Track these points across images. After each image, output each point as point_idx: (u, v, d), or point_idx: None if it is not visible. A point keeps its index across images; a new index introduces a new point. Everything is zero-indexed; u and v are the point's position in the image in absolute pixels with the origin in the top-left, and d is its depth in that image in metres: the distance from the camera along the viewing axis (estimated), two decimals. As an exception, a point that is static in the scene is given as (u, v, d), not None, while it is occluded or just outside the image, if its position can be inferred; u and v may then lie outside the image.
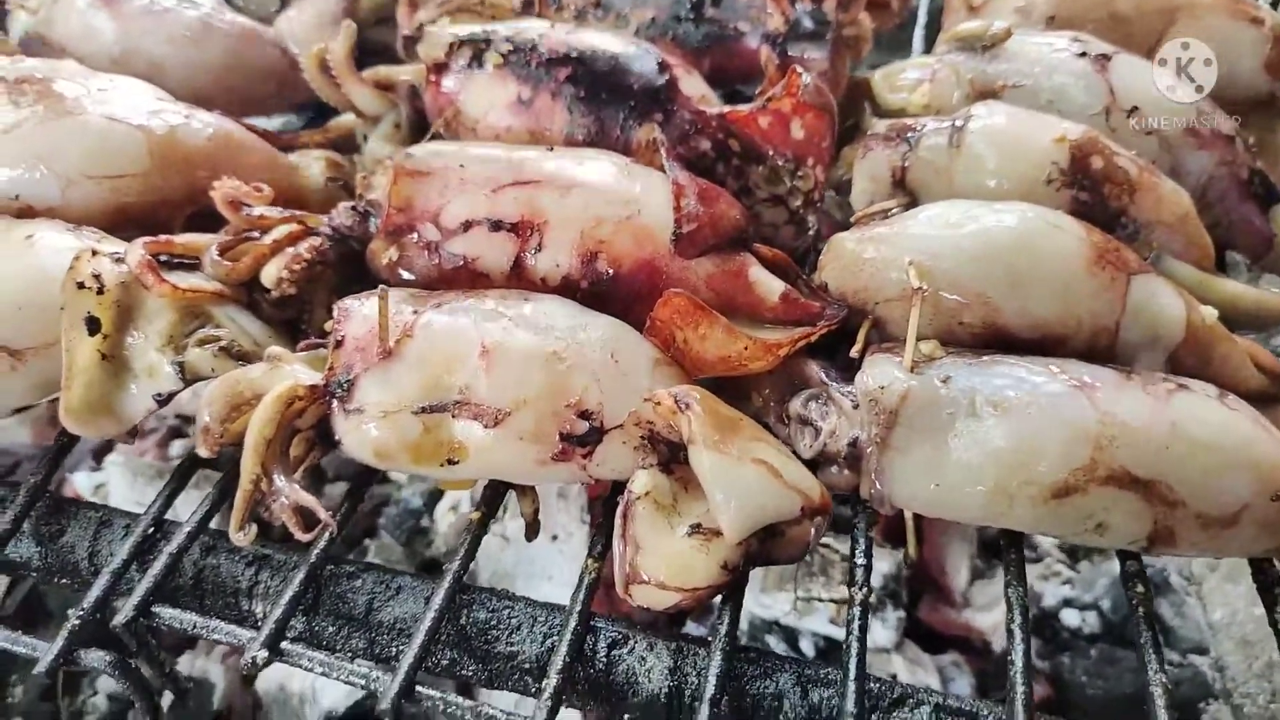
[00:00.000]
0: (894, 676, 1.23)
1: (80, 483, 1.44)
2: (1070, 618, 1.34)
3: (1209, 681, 1.25)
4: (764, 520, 0.75)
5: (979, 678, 1.30)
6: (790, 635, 1.28)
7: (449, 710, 0.72)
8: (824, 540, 1.27)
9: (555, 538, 1.28)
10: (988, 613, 1.34)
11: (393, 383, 0.80)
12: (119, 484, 1.40)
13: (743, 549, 0.76)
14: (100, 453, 1.48)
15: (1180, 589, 1.33)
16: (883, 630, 1.25)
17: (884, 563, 1.28)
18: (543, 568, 1.25)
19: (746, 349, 0.83)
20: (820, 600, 1.24)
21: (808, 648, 1.27)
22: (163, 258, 0.89)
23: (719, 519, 0.74)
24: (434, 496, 1.47)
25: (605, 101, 1.01)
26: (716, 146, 1.00)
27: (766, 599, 1.26)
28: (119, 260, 0.87)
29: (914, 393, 0.78)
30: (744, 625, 1.30)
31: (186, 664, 1.30)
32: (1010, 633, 0.75)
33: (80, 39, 1.12)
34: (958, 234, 0.84)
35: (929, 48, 1.24)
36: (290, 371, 0.83)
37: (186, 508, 0.86)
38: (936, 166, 0.93)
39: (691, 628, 1.29)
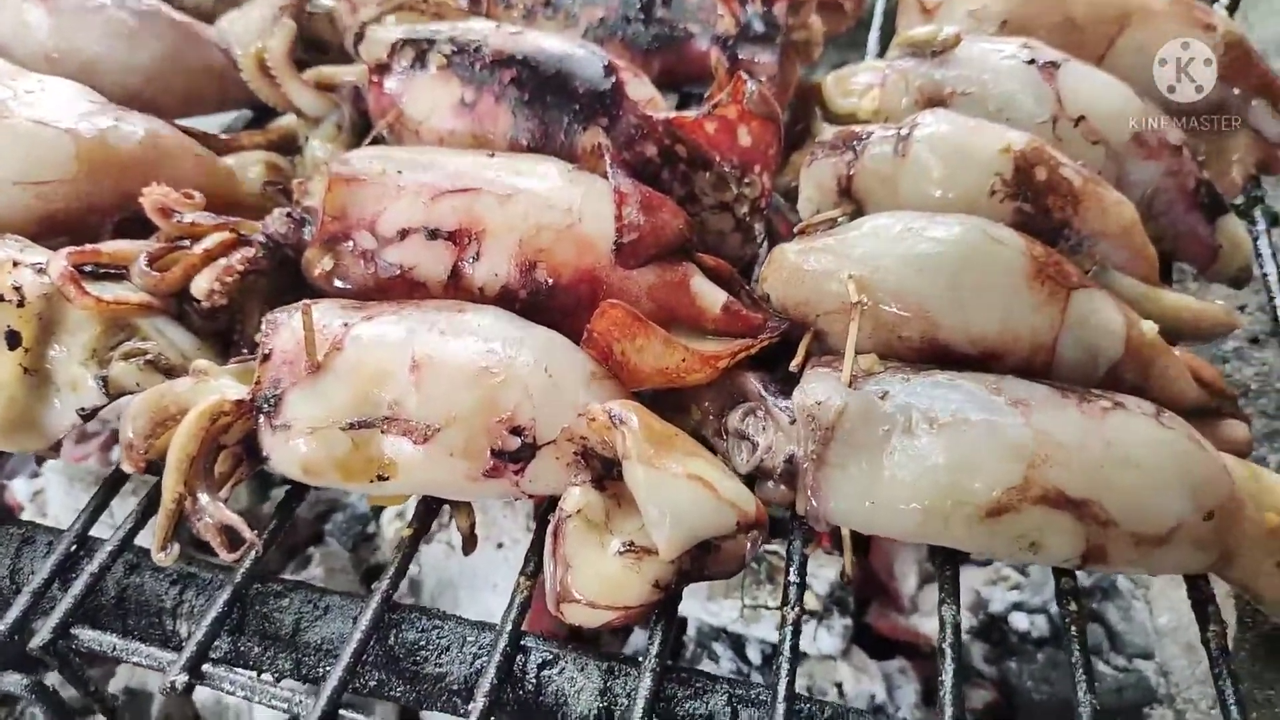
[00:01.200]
0: (839, 685, 1.23)
1: (19, 490, 1.41)
2: (1019, 621, 1.35)
3: (1153, 686, 1.25)
4: (699, 536, 0.74)
5: (925, 684, 1.30)
6: (737, 642, 1.28)
7: (374, 734, 0.71)
8: (770, 548, 1.27)
9: (500, 545, 1.27)
10: (936, 618, 1.33)
11: (321, 398, 0.78)
12: (57, 491, 1.38)
13: (675, 566, 0.75)
14: (40, 459, 1.45)
15: (1128, 593, 1.34)
16: (829, 638, 1.25)
17: (830, 570, 1.28)
18: (486, 577, 1.24)
19: (684, 361, 0.82)
20: (767, 608, 1.24)
21: (754, 655, 1.27)
22: (88, 268, 0.87)
23: (653, 535, 0.73)
24: (379, 505, 1.45)
25: (550, 105, 0.99)
26: (663, 152, 0.98)
27: (713, 606, 1.26)
28: (41, 271, 0.84)
29: (851, 409, 0.77)
30: (691, 632, 1.30)
31: (125, 675, 1.28)
32: (941, 652, 0.75)
33: (12, 35, 1.09)
34: (899, 247, 0.83)
35: (884, 49, 1.23)
36: (216, 386, 0.81)
37: (117, 521, 0.84)
38: (882, 175, 0.92)
39: (640, 636, 1.28)
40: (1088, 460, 0.74)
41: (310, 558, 1.37)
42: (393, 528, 1.39)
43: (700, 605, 1.27)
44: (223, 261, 0.89)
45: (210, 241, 0.89)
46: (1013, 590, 1.37)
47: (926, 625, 1.33)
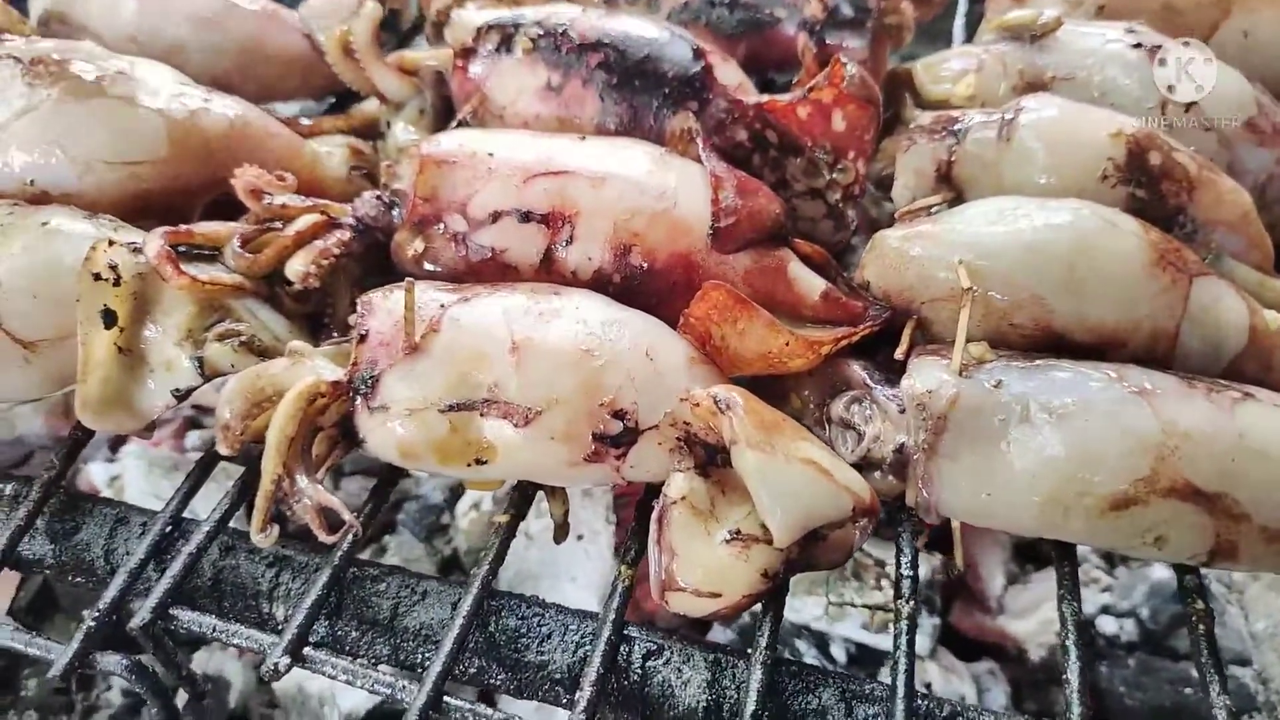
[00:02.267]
0: (929, 685, 1.20)
1: (96, 474, 1.41)
2: (1108, 625, 1.31)
3: (1252, 693, 1.21)
4: (814, 521, 0.72)
5: (1014, 686, 1.26)
6: (821, 640, 1.25)
7: (477, 723, 0.69)
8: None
9: (580, 537, 1.25)
10: (1023, 619, 1.30)
11: (419, 379, 0.77)
12: (135, 476, 1.37)
13: (784, 555, 0.73)
14: (117, 443, 1.46)
15: (1222, 598, 1.30)
16: (918, 637, 1.21)
17: (920, 568, 1.24)
18: (566, 568, 1.22)
19: (788, 345, 0.80)
20: (853, 605, 1.21)
21: (839, 653, 1.24)
22: (181, 248, 0.86)
23: (767, 522, 0.71)
24: (455, 493, 1.44)
25: (638, 89, 0.98)
26: (753, 137, 0.97)
27: (797, 603, 1.23)
28: (136, 250, 0.84)
29: (964, 397, 0.75)
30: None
31: (202, 661, 1.27)
32: (1065, 650, 0.72)
33: (99, 18, 1.09)
34: (1009, 232, 0.81)
35: (970, 37, 1.20)
36: (312, 367, 0.80)
37: (205, 503, 0.84)
38: (984, 161, 0.90)
39: (719, 633, 1.25)
40: (1219, 452, 0.71)
41: (385, 548, 1.36)
42: (467, 518, 1.38)
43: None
44: (317, 244, 0.88)
45: (302, 224, 0.89)
46: (1103, 592, 1.33)
47: (1014, 626, 1.30)
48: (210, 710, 1.21)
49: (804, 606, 1.23)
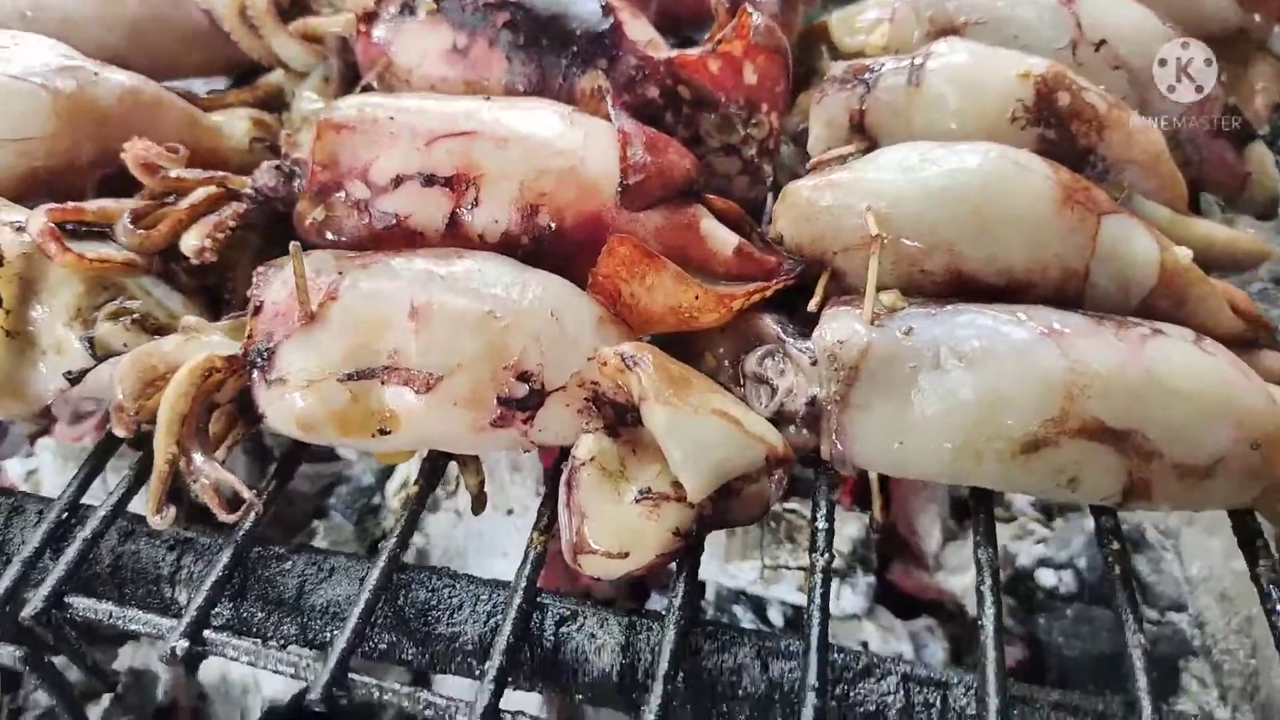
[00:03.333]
0: (865, 644, 1.19)
1: (12, 469, 1.37)
2: (1046, 577, 1.31)
3: (1188, 638, 1.22)
4: (728, 473, 0.71)
5: (953, 643, 1.26)
6: (758, 604, 1.24)
7: (385, 698, 0.67)
8: (789, 506, 1.23)
9: (510, 512, 1.23)
10: (961, 575, 1.30)
11: (316, 349, 0.74)
12: (50, 471, 1.34)
13: (696, 512, 0.72)
14: (34, 437, 1.41)
15: (1157, 544, 1.30)
16: (852, 596, 1.21)
17: (851, 527, 1.24)
18: (497, 544, 1.20)
19: (697, 298, 0.78)
20: (788, 568, 1.20)
21: (776, 617, 1.23)
22: (70, 226, 0.83)
23: (680, 475, 0.70)
24: (385, 473, 1.41)
25: (546, 48, 0.95)
26: (665, 94, 0.94)
27: (732, 568, 1.22)
28: (20, 229, 0.80)
29: (875, 346, 0.74)
30: (710, 595, 1.26)
31: (129, 655, 1.24)
32: (980, 595, 0.71)
33: (-15, -6, 1.05)
34: (918, 177, 0.79)
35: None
36: (206, 343, 0.78)
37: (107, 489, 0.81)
38: (895, 108, 0.88)
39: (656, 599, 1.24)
40: (1128, 389, 0.70)
41: (314, 531, 1.33)
42: (398, 499, 1.36)
43: (719, 567, 1.23)
44: (212, 217, 0.85)
45: (196, 196, 0.85)
46: (1039, 544, 1.34)
47: (951, 583, 1.30)
48: (138, 703, 1.18)
49: (740, 571, 1.22)
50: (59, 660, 0.77)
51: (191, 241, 0.83)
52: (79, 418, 1.37)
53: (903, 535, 1.34)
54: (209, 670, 1.21)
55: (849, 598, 1.21)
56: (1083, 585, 1.31)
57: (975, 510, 0.77)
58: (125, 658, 1.23)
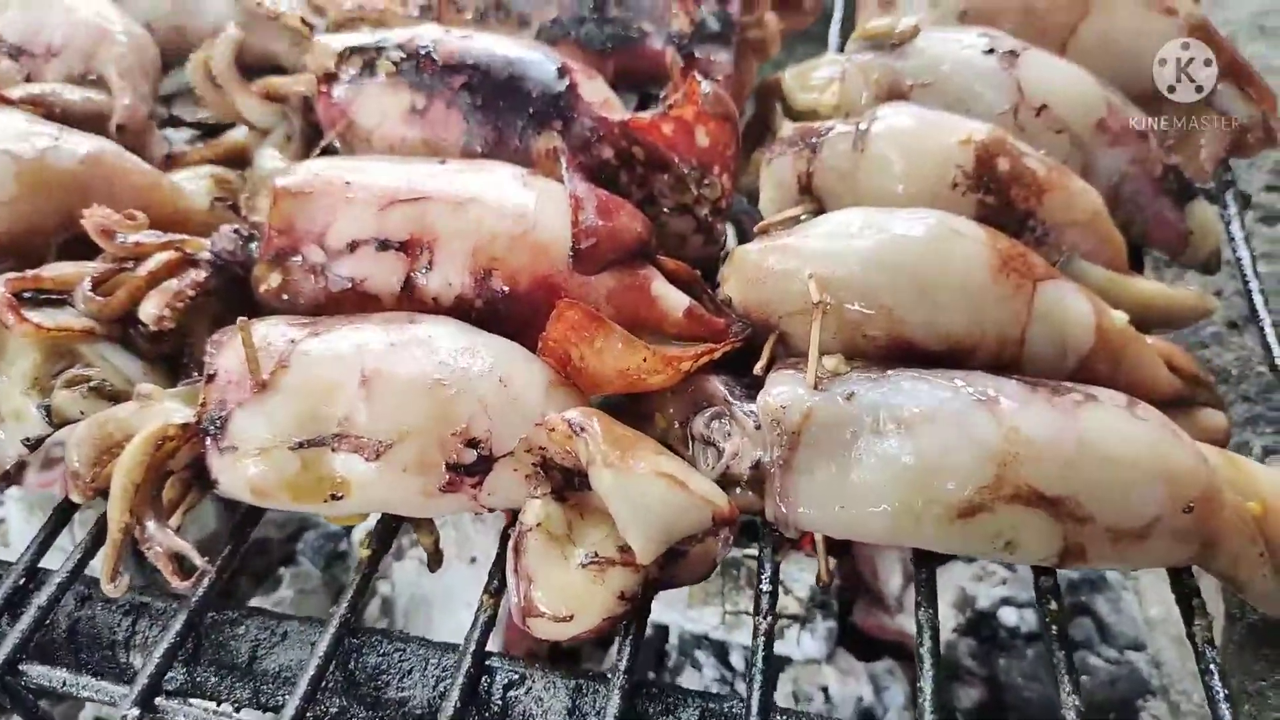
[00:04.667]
0: (825, 689, 1.21)
1: (-22, 520, 1.38)
2: (1008, 616, 1.33)
3: (1146, 677, 1.23)
4: (676, 534, 0.72)
5: (914, 684, 1.27)
6: (720, 649, 1.25)
7: (332, 764, 0.68)
8: (749, 552, 1.25)
9: (474, 560, 1.24)
10: (919, 620, 1.31)
11: (268, 417, 0.76)
12: (17, 520, 1.34)
13: (641, 576, 0.73)
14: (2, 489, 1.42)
15: (1117, 585, 1.31)
16: (812, 641, 1.22)
17: (811, 573, 1.26)
18: (461, 594, 1.21)
19: (646, 361, 0.79)
20: (748, 614, 1.22)
21: (738, 661, 1.25)
22: (28, 294, 0.84)
23: (628, 538, 0.71)
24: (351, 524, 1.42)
25: (503, 109, 0.97)
26: (619, 154, 0.96)
27: (694, 613, 1.23)
28: (-24, 297, 0.82)
29: (816, 411, 0.75)
30: (673, 640, 1.27)
31: (92, 710, 1.25)
32: (920, 657, 0.72)
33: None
34: (859, 243, 0.81)
35: (845, 43, 1.21)
36: (161, 410, 0.79)
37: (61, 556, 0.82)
38: (841, 171, 0.90)
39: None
40: (1061, 456, 0.72)
41: (281, 579, 1.34)
42: (363, 547, 1.36)
43: (681, 613, 1.24)
44: (171, 284, 0.86)
45: (154, 263, 0.87)
46: (1000, 586, 1.35)
47: (913, 624, 1.31)
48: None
49: (701, 616, 1.24)
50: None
51: (150, 310, 0.85)
52: (50, 464, 1.38)
53: (865, 578, 1.35)
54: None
55: (809, 643, 1.22)
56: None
57: (917, 570, 0.78)
58: (89, 711, 1.24)
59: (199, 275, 0.87)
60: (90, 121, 1.01)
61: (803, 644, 1.22)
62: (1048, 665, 0.70)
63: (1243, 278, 0.97)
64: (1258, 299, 0.97)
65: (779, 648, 1.22)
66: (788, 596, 1.23)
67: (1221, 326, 1.24)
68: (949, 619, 1.30)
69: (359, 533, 1.39)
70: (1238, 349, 1.21)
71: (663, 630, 1.26)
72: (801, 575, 1.26)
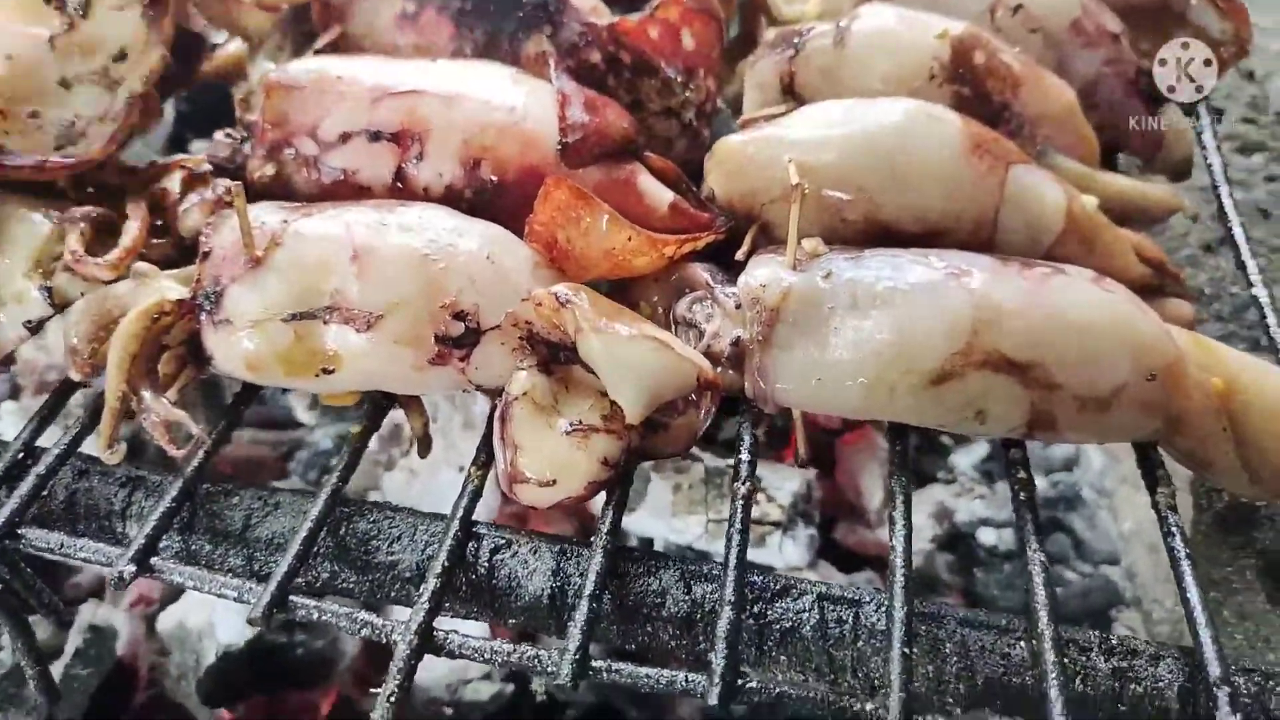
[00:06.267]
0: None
1: (-29, 429, 1.40)
2: (986, 535, 1.35)
3: (1120, 590, 1.26)
4: (663, 393, 0.75)
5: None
6: (703, 558, 1.27)
7: (323, 619, 0.71)
8: (730, 462, 1.27)
9: (461, 469, 1.26)
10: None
11: (261, 291, 0.78)
12: (12, 429, 1.36)
13: (624, 443, 0.75)
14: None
15: (1092, 502, 1.35)
16: (794, 548, 1.25)
17: (793, 482, 1.28)
18: (449, 500, 1.23)
19: (631, 240, 0.81)
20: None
21: (721, 571, 1.27)
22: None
23: (618, 397, 0.74)
24: (342, 438, 1.44)
25: (493, 14, 0.99)
26: (607, 59, 0.98)
27: (678, 523, 1.26)
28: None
29: (795, 290, 0.78)
30: (658, 548, 1.30)
31: (89, 613, 1.27)
32: (891, 520, 0.75)
33: None
34: (837, 130, 0.84)
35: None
36: (157, 286, 0.81)
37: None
38: (823, 68, 0.92)
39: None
40: (1029, 323, 0.74)
41: (273, 492, 1.36)
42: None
43: (665, 524, 1.27)
44: (198, 197, 0.87)
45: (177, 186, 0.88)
46: (978, 501, 1.38)
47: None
48: (97, 657, 1.21)
49: (685, 527, 1.26)
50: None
51: (191, 225, 0.86)
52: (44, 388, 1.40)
53: (848, 496, 1.38)
54: (167, 619, 1.24)
55: (791, 550, 1.25)
56: (1022, 544, 1.35)
57: (891, 443, 0.80)
58: (86, 616, 1.26)
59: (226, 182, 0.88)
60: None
61: (785, 551, 1.25)
62: (1018, 539, 0.71)
63: (1213, 182, 1.00)
64: (1231, 216, 0.99)
65: (762, 555, 1.24)
66: (771, 504, 1.26)
67: (1196, 249, 1.26)
68: (926, 529, 1.32)
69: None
70: (1211, 270, 1.23)
71: (647, 542, 1.29)
72: (784, 485, 1.28)
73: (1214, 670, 0.66)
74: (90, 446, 0.83)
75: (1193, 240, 1.25)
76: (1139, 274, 0.86)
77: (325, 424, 1.46)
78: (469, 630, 0.72)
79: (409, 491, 1.29)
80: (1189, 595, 0.70)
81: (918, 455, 1.31)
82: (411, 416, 0.86)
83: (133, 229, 0.83)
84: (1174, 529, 0.76)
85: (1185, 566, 0.73)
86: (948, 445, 1.46)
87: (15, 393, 1.43)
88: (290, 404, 1.46)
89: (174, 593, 1.28)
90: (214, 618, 1.20)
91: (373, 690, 0.68)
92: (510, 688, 1.20)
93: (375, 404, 0.85)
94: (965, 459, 1.42)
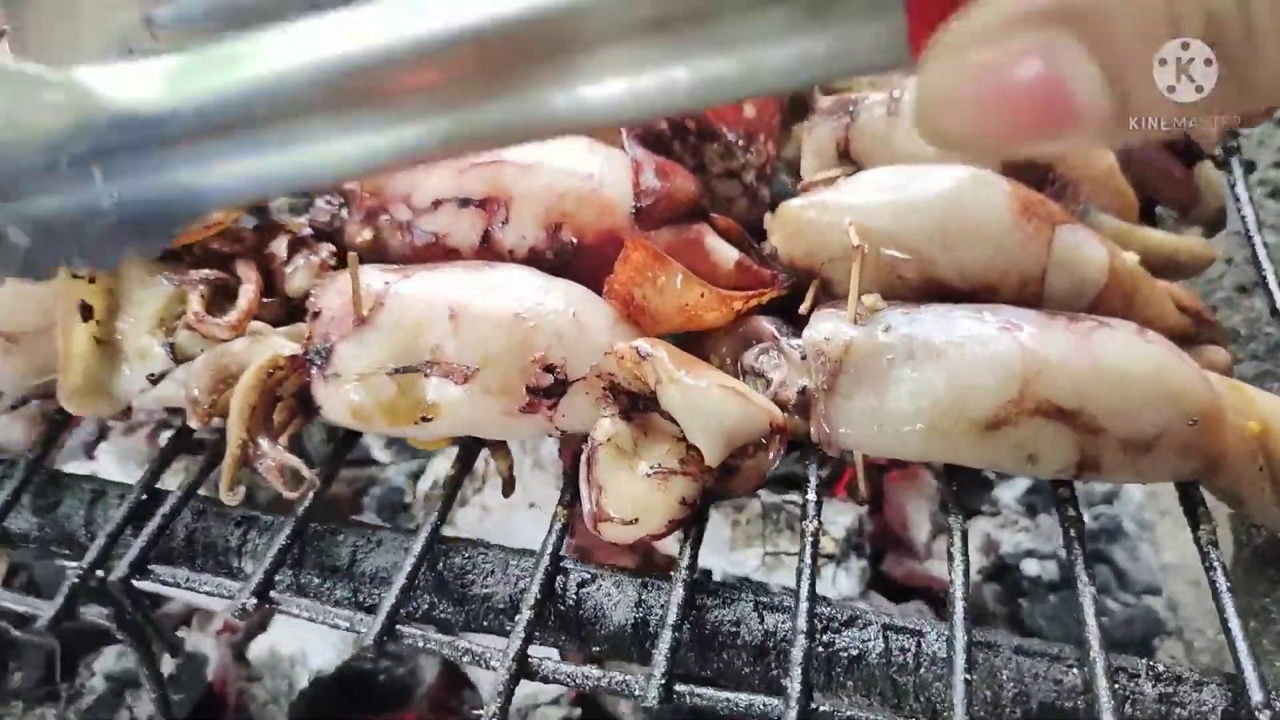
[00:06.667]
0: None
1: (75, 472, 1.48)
2: (1030, 567, 1.40)
3: (1162, 620, 1.31)
4: (738, 439, 0.81)
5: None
6: (760, 590, 1.33)
7: (428, 647, 0.77)
8: (788, 498, 1.33)
9: (532, 505, 1.33)
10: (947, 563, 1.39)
11: (367, 348, 0.85)
12: (111, 472, 1.45)
13: (700, 485, 0.82)
14: (91, 446, 1.53)
15: (1134, 535, 1.39)
16: (846, 579, 1.31)
17: (846, 517, 1.34)
18: (521, 537, 1.30)
19: (703, 297, 0.88)
20: (787, 554, 1.30)
21: (778, 601, 1.33)
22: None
23: (698, 442, 0.80)
24: (414, 476, 1.52)
25: (565, 87, 1.07)
26: (673, 126, 1.05)
27: (737, 556, 1.32)
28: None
29: (857, 343, 0.84)
30: (718, 579, 1.36)
31: (181, 640, 1.34)
32: (950, 555, 0.81)
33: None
34: (892, 195, 0.90)
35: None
36: (271, 343, 0.89)
37: (175, 480, 0.92)
38: (877, 135, 0.99)
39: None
40: (1076, 373, 0.80)
41: (349, 530, 1.44)
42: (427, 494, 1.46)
43: (725, 557, 1.33)
44: (304, 261, 0.96)
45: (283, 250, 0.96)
46: (1022, 533, 1.43)
47: (940, 570, 1.39)
48: (189, 681, 1.28)
49: (743, 559, 1.32)
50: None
51: (298, 286, 0.94)
52: (131, 430, 1.48)
53: (895, 530, 1.43)
54: (257, 646, 1.32)
55: (843, 581, 1.31)
56: (1066, 577, 1.40)
57: (948, 482, 0.86)
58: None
59: (329, 246, 0.97)
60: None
61: (838, 582, 1.30)
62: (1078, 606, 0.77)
63: (1246, 233, 1.05)
64: (1264, 260, 1.05)
65: (819, 587, 1.30)
66: (825, 538, 1.32)
67: (1231, 291, 1.31)
68: (974, 561, 1.37)
69: (423, 484, 1.49)
70: (1246, 311, 1.29)
71: (706, 573, 1.35)
72: (838, 518, 1.34)
73: (1256, 695, 0.71)
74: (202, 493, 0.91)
75: (1228, 282, 1.31)
76: (1177, 322, 0.92)
77: (400, 461, 1.54)
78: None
79: (481, 527, 1.36)
80: (1231, 625, 0.76)
81: (964, 490, 1.36)
82: (498, 459, 0.93)
83: (248, 291, 0.91)
84: (1215, 564, 0.81)
85: (1227, 599, 0.78)
86: (991, 479, 1.51)
87: (104, 433, 1.52)
88: (368, 443, 1.54)
89: (260, 621, 1.36)
90: (306, 645, 1.28)
91: (449, 713, 0.74)
92: (578, 711, 1.26)
93: (466, 448, 0.92)
94: (1008, 493, 1.48)
